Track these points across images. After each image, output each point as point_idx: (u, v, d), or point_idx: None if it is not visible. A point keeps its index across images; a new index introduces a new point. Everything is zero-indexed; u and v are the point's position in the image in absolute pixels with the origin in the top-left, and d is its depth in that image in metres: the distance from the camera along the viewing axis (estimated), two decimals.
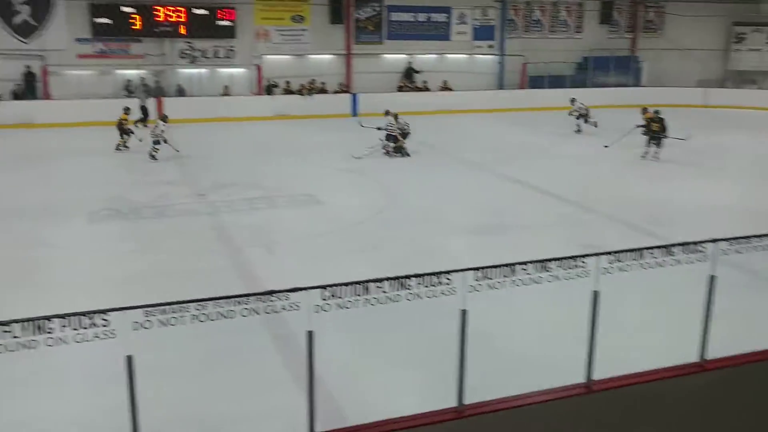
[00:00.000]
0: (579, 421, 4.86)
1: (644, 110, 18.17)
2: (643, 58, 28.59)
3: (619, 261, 4.66)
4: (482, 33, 26.88)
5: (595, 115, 19.99)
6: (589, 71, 27.10)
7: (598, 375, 4.77)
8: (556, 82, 25.99)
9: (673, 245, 4.86)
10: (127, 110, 17.15)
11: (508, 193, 13.12)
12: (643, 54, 28.75)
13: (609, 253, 4.63)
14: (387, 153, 16.31)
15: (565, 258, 4.51)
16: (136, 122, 18.40)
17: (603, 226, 10.81)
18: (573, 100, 20.46)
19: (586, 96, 22.78)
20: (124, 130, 16.74)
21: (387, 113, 16.74)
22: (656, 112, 16.27)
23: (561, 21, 27.95)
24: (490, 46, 27.09)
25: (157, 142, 15.56)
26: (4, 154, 16.34)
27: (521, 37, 27.34)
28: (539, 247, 8.58)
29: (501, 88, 27.06)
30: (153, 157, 15.51)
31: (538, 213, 11.56)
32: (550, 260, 4.48)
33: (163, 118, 16.29)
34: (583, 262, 4.57)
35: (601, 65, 27.11)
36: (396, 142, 16.24)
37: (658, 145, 15.91)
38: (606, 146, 17.44)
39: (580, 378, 4.79)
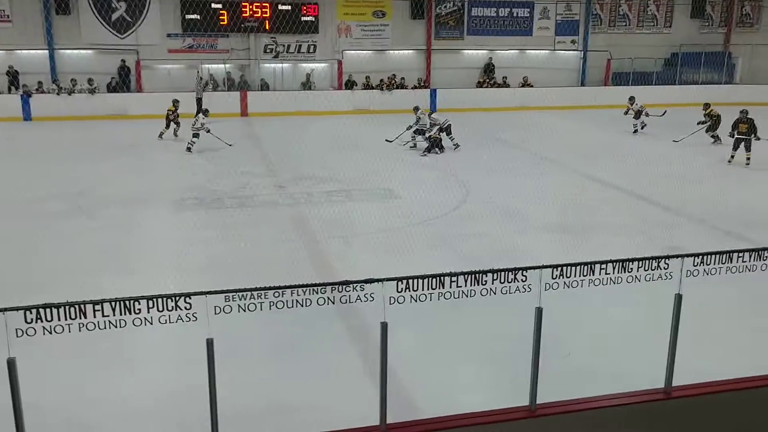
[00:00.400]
0: (655, 428, 4.71)
1: (706, 105, 17.33)
2: (737, 54, 27.22)
3: (705, 264, 4.48)
4: (565, 28, 26.27)
5: (652, 112, 19.19)
6: (677, 68, 26.02)
7: (678, 381, 4.61)
8: (642, 78, 25.09)
9: (765, 249, 4.64)
10: (175, 102, 17.85)
11: (589, 192, 12.77)
12: (737, 50, 27.36)
13: (694, 255, 4.46)
14: (414, 146, 16.73)
15: (647, 258, 4.38)
16: (196, 114, 19.00)
17: (687, 228, 10.40)
18: (632, 99, 19.69)
19: (674, 94, 21.94)
20: (170, 120, 17.56)
21: (416, 109, 17.19)
22: (744, 111, 15.18)
23: (649, 15, 26.98)
24: (573, 42, 26.44)
25: (195, 135, 16.05)
26: (101, 144, 17.17)
27: (606, 32, 26.54)
28: (620, 248, 8.34)
29: (583, 85, 26.41)
30: (189, 149, 16.01)
31: (620, 213, 11.25)
32: (631, 260, 4.35)
33: (205, 112, 16.74)
34: (666, 264, 4.42)
35: (691, 61, 25.92)
36: (428, 138, 16.32)
37: (748, 148, 14.79)
38: (675, 141, 16.87)
39: (658, 383, 4.65)
